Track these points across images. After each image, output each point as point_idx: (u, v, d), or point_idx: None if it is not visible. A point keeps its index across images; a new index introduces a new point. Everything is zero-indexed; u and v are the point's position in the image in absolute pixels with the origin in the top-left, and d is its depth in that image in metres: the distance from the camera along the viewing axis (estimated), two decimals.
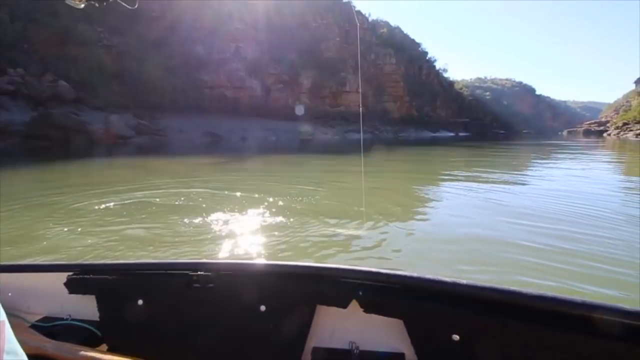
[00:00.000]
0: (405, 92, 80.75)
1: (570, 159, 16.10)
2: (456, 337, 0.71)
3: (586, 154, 19.60)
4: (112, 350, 0.92)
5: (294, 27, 58.99)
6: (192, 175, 8.88)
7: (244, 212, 4.50)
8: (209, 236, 3.59)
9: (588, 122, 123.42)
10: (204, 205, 5.01)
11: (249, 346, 0.88)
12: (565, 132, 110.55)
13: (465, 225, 4.24)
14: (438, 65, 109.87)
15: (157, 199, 5.47)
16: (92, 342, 0.92)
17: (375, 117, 67.51)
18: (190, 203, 5.26)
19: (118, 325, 0.94)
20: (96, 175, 9.38)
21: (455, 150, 23.79)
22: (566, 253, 3.16)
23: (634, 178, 9.94)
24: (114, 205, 4.98)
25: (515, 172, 10.64)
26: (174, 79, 42.00)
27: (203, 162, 13.01)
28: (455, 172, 10.30)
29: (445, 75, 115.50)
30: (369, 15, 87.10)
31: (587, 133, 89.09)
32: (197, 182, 7.63)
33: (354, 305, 0.79)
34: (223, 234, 3.66)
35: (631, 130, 61.33)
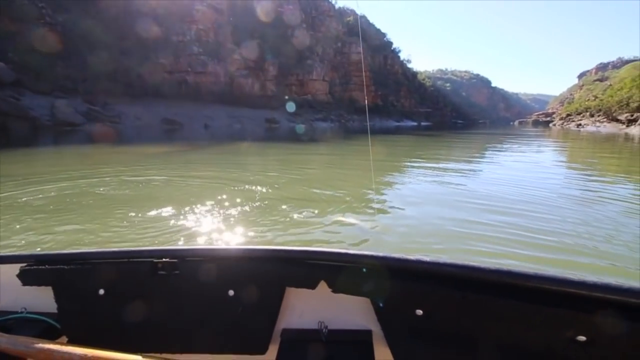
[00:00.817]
0: (371, 82, 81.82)
1: (521, 146, 17.35)
2: (419, 312, 0.74)
3: (534, 142, 21.26)
4: (72, 342, 0.88)
5: (259, 12, 57.05)
6: (149, 164, 8.42)
7: (206, 201, 4.35)
8: (167, 227, 3.43)
9: (537, 113, 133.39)
10: (162, 194, 4.79)
11: (218, 331, 0.87)
12: (516, 123, 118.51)
13: (427, 204, 4.46)
14: (402, 55, 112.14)
15: (104, 188, 5.15)
16: (50, 335, 0.88)
17: (342, 106, 67.89)
18: (145, 192, 5.01)
19: (78, 316, 0.90)
20: (39, 164, 8.58)
21: (419, 139, 24.64)
22: (515, 227, 3.48)
23: (574, 164, 10.95)
24: (53, 195, 4.62)
25: (474, 159, 11.29)
26: (128, 61, 39.19)
27: (162, 151, 12.36)
28: (420, 159, 10.70)
29: (409, 65, 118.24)
30: (335, 2, 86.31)
31: (536, 123, 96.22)
32: (154, 170, 7.26)
33: (323, 285, 0.80)
34: (183, 224, 3.48)
35: (573, 121, 67.19)
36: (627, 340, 0.62)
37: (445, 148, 16.34)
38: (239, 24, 53.53)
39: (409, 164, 9.60)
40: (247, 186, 5.30)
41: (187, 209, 3.93)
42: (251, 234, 3.23)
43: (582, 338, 0.64)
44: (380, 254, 0.78)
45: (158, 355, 0.72)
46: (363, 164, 8.56)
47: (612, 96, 61.77)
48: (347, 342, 0.82)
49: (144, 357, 0.65)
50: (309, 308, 0.88)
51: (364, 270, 0.78)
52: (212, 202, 4.23)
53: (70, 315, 0.90)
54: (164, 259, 0.86)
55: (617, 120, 51.16)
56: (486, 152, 14.28)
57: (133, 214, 3.74)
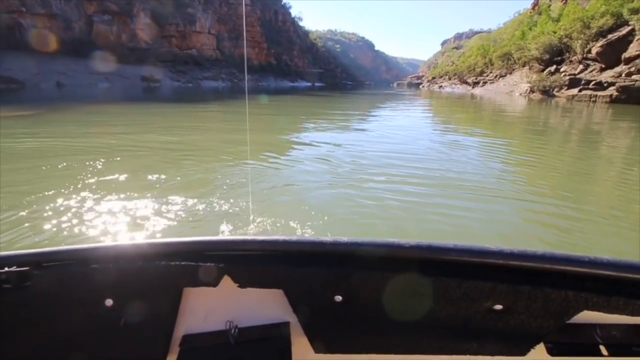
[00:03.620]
0: (263, 38, 77.90)
1: (400, 104, 19.79)
2: (339, 297, 0.69)
3: (409, 101, 24.59)
4: None
5: None
6: None
7: (57, 181, 3.60)
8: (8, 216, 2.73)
9: (410, 76, 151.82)
10: None
11: (92, 353, 0.72)
12: (395, 84, 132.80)
13: (329, 167, 4.71)
14: (293, 12, 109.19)
15: None
16: None
17: (233, 64, 63.32)
18: None
19: None
20: None
21: (317, 99, 25.21)
22: (404, 172, 4.04)
23: (440, 117, 13.09)
24: None
25: (366, 117, 12.25)
26: None
27: None
28: (324, 119, 11.01)
29: (301, 24, 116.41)
30: None
31: (410, 85, 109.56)
32: None
33: (227, 281, 0.69)
34: (21, 217, 2.70)
35: (436, 83, 78.82)
36: (541, 306, 0.63)
37: (342, 107, 17.23)
38: None
39: (314, 123, 9.80)
40: (113, 158, 4.59)
41: (25, 194, 3.13)
42: (123, 223, 2.60)
43: (499, 307, 0.64)
44: (293, 237, 0.70)
45: None
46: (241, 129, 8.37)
47: (463, 62, 74.31)
48: (261, 339, 0.74)
49: None
50: (214, 308, 0.76)
51: (274, 258, 0.70)
52: (65, 183, 3.44)
53: None
54: (7, 269, 0.67)
55: (467, 83, 62.28)
56: (374, 110, 15.71)
57: None
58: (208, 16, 61.10)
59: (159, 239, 0.73)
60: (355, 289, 0.68)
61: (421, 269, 0.66)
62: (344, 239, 0.69)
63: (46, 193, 3.06)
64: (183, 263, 0.69)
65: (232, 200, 3.02)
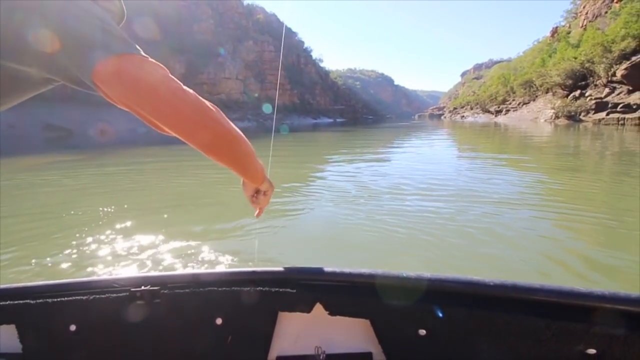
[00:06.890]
0: (287, 80, 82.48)
1: (423, 136, 19.97)
2: (422, 331, 0.72)
3: (432, 132, 24.79)
4: None
5: (157, 4, 52.21)
6: (29, 177, 7.25)
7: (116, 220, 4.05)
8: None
9: (431, 108, 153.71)
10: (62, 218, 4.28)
11: None
12: (416, 116, 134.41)
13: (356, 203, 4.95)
14: (314, 55, 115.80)
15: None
16: None
17: (259, 105, 66.97)
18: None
19: (47, 356, 0.81)
20: None
21: (338, 134, 25.99)
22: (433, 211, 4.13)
23: (463, 146, 13.12)
24: None
25: (389, 149, 12.55)
26: None
27: (44, 162, 10.55)
28: (339, 154, 11.43)
29: (322, 65, 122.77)
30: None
31: (431, 116, 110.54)
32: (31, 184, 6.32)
33: (319, 308, 0.77)
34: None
35: (458, 114, 78.94)
36: (639, 351, 0.61)
37: (362, 141, 17.69)
38: (133, 16, 48.25)
39: (333, 160, 10.20)
40: (166, 195, 5.07)
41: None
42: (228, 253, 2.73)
43: (592, 351, 0.62)
44: (379, 271, 0.76)
45: None
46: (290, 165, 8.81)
47: (485, 92, 74.53)
48: None
49: None
50: (304, 332, 0.83)
51: (363, 289, 0.76)
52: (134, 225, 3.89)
53: (38, 355, 0.81)
54: (142, 287, 0.79)
55: (489, 112, 61.87)
56: (396, 142, 16.01)
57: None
58: (236, 63, 66.06)
59: (260, 268, 0.83)
60: (440, 324, 0.70)
61: (507, 308, 0.66)
62: (428, 274, 0.72)
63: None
64: (281, 290, 0.77)
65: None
